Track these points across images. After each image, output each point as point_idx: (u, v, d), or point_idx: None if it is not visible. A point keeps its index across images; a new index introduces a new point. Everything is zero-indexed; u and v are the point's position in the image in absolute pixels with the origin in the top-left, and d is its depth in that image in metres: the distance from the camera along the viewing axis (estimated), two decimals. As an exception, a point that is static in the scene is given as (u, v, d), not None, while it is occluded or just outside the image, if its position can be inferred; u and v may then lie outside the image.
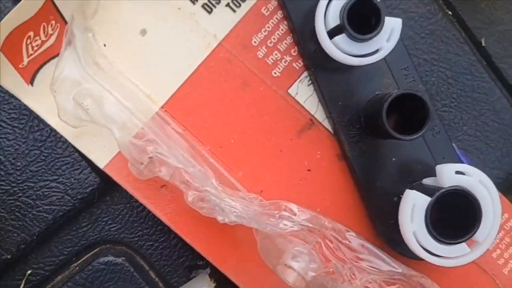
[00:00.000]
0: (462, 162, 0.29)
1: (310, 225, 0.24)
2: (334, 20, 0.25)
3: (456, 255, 0.25)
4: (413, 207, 0.25)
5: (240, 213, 0.24)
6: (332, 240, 0.24)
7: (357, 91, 0.27)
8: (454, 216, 0.27)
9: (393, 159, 0.28)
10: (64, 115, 0.25)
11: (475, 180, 0.25)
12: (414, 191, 0.25)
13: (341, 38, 0.24)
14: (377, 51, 0.25)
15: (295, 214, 0.24)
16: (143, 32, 0.27)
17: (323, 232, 0.24)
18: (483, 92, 0.30)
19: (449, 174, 0.25)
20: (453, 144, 0.29)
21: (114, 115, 0.25)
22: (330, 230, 0.24)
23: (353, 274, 0.24)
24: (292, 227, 0.23)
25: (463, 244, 0.25)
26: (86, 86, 0.25)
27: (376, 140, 0.28)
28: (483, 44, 0.30)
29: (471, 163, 0.29)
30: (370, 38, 0.24)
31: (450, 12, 0.30)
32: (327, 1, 0.24)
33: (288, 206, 0.24)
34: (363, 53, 0.25)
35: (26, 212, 0.27)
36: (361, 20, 0.25)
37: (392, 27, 0.25)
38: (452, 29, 0.29)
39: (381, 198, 0.27)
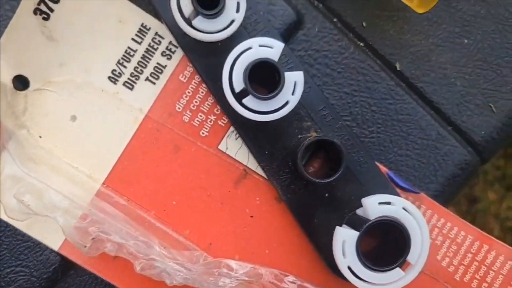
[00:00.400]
0: (396, 184, 0.30)
1: (247, 279, 0.25)
2: (240, 82, 0.26)
3: (392, 280, 0.27)
4: (343, 243, 0.26)
5: (185, 274, 0.26)
6: (271, 288, 0.26)
7: (280, 139, 0.29)
8: (389, 243, 0.28)
9: (326, 195, 0.29)
10: (10, 212, 0.27)
11: (398, 208, 0.27)
12: (342, 228, 0.27)
13: (248, 99, 0.26)
14: (287, 102, 0.27)
15: (232, 270, 0.26)
16: (73, 118, 0.29)
17: (262, 282, 0.26)
18: (406, 113, 0.31)
19: (373, 207, 0.26)
20: (385, 168, 0.30)
21: (56, 203, 0.27)
22: (268, 278, 0.26)
23: (294, 317, 0.25)
24: (230, 283, 0.25)
25: (397, 269, 0.27)
26: (26, 182, 0.27)
27: (307, 180, 0.29)
28: (398, 68, 0.31)
29: (406, 182, 0.30)
30: (274, 97, 0.26)
31: (361, 44, 0.31)
32: (229, 67, 0.26)
33: (226, 263, 0.26)
34: (272, 108, 0.26)
35: (-3, 300, 0.30)
36: (268, 73, 0.27)
37: (295, 80, 0.26)
38: (367, 59, 0.31)
39: (322, 233, 0.29)
